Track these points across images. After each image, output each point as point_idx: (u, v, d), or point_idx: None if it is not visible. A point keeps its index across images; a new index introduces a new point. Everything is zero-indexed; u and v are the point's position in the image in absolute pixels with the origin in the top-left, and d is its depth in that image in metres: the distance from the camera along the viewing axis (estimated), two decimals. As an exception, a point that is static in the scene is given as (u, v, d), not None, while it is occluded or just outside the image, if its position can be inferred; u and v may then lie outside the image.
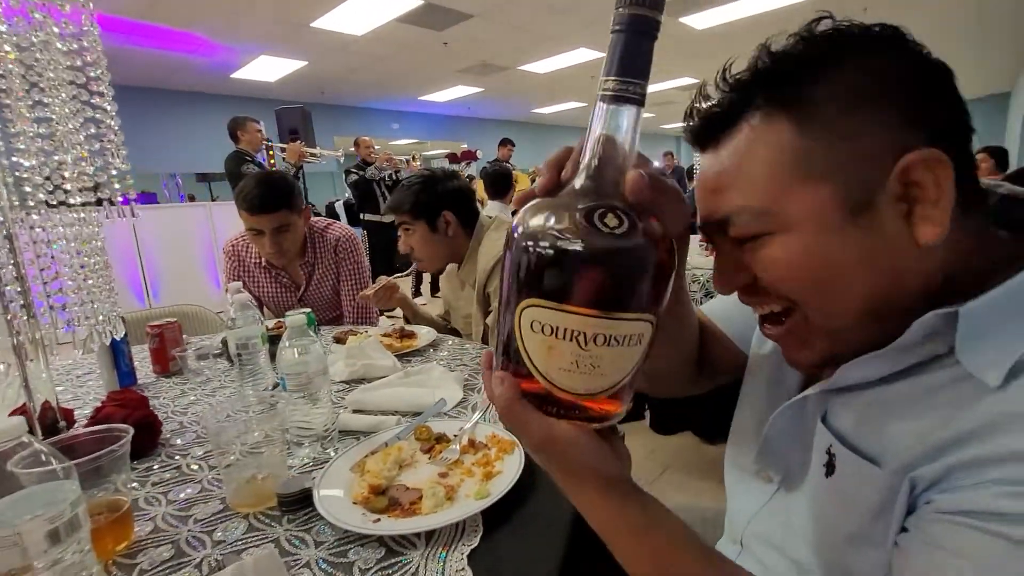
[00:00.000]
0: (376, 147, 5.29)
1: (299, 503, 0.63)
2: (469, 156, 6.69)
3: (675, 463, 2.13)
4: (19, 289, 0.75)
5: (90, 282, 0.81)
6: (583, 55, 6.37)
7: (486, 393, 0.44)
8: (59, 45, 0.76)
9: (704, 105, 0.45)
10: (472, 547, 0.54)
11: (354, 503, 0.62)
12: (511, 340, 0.37)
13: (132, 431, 0.62)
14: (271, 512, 0.63)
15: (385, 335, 1.35)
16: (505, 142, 5.69)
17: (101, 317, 0.81)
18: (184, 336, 1.32)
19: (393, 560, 0.53)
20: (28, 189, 0.75)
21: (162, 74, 6.07)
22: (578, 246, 0.33)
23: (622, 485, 0.43)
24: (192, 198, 6.44)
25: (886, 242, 0.40)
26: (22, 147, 0.74)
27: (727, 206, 0.44)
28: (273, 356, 0.90)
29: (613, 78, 0.36)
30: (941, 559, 0.35)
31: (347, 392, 1.00)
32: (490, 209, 4.07)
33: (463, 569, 0.51)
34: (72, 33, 0.77)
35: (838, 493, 0.44)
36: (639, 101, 0.36)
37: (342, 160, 5.17)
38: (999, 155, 4.21)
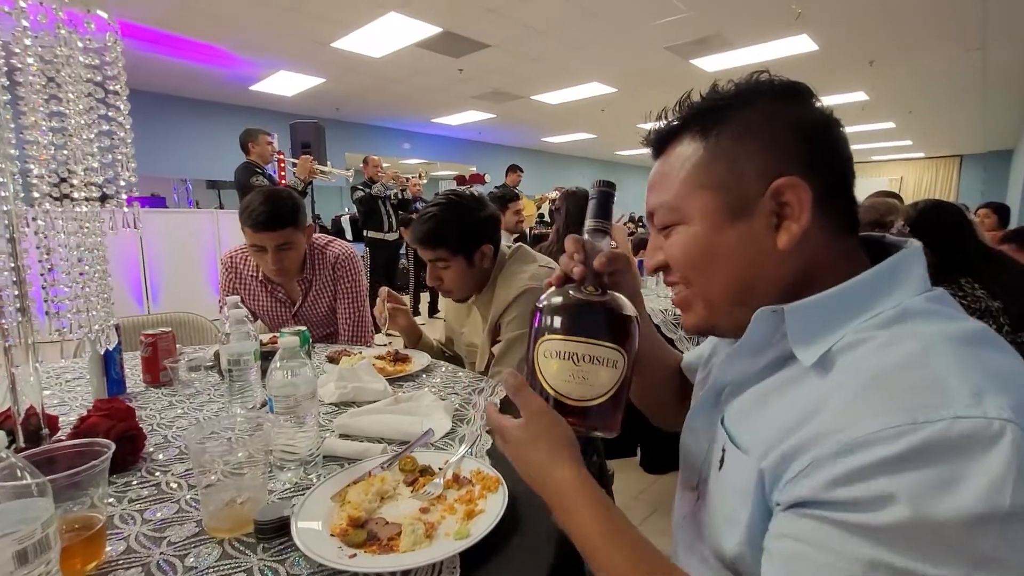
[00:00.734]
0: (385, 165, 5.35)
1: (276, 531, 0.62)
2: (477, 179, 6.78)
3: (663, 506, 2.10)
4: (16, 293, 0.75)
5: (87, 290, 0.81)
6: (595, 89, 6.49)
7: (504, 386, 0.58)
8: (82, 59, 0.78)
9: (661, 124, 0.58)
10: (448, 590, 0.53)
11: (332, 535, 0.61)
12: (531, 367, 0.59)
13: (113, 447, 0.62)
14: (247, 539, 0.62)
15: (379, 357, 1.34)
16: (514, 168, 5.74)
17: (96, 327, 0.81)
18: (178, 346, 1.31)
19: (366, 599, 0.52)
20: (36, 195, 0.76)
21: (182, 82, 6.19)
22: (572, 302, 0.59)
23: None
24: (198, 204, 6.48)
25: (754, 243, 0.51)
26: (33, 153, 0.75)
27: (654, 201, 0.57)
28: (265, 373, 0.90)
29: (593, 220, 0.64)
30: (787, 546, 0.41)
31: (335, 415, 0.99)
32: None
33: (437, 614, 0.50)
34: (95, 48, 0.79)
35: (727, 484, 0.51)
36: (607, 231, 0.64)
37: (351, 179, 5.22)
38: (1002, 211, 4.25)
